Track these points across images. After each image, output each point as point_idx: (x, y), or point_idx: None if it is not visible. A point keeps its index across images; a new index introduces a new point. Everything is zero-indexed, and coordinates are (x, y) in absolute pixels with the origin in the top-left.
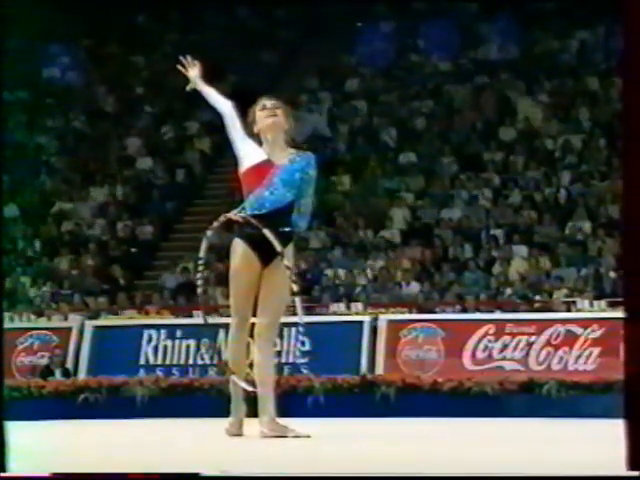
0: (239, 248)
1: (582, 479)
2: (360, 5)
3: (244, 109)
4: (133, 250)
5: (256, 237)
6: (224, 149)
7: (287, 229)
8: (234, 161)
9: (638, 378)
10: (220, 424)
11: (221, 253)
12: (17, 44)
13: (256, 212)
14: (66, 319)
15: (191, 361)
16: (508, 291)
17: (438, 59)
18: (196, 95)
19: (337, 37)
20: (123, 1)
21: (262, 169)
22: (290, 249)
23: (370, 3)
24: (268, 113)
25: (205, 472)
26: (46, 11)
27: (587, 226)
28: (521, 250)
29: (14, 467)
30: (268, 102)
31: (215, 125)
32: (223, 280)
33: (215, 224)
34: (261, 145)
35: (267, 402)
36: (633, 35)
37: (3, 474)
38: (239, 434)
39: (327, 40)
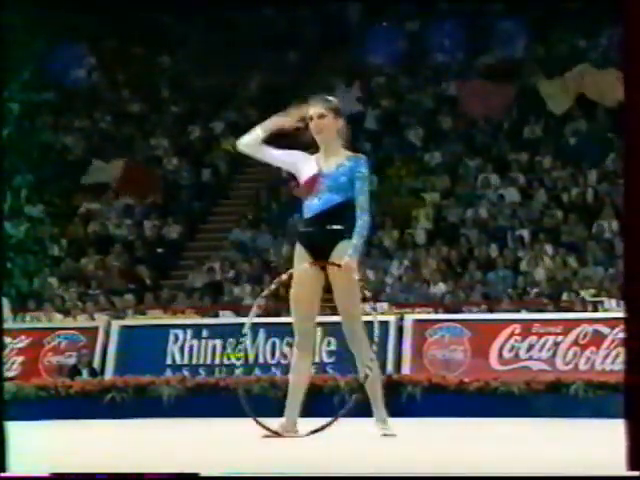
0: (297, 254)
1: (584, 479)
2: (384, 5)
3: (270, 108)
4: (159, 250)
5: (311, 243)
6: None
7: (336, 227)
8: (260, 161)
9: (638, 378)
10: (245, 424)
11: (247, 253)
12: (43, 46)
13: (307, 216)
14: (93, 319)
15: (217, 361)
16: (535, 291)
17: (463, 58)
18: (221, 95)
19: (362, 36)
20: (148, 1)
21: (312, 181)
22: (344, 246)
23: (395, 2)
24: (315, 128)
25: (205, 472)
26: (71, 13)
27: (614, 225)
28: (548, 249)
29: (43, 465)
30: (315, 110)
31: (241, 125)
32: (251, 279)
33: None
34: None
35: (376, 402)
36: (633, 35)
37: (3, 474)
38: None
39: (352, 39)
